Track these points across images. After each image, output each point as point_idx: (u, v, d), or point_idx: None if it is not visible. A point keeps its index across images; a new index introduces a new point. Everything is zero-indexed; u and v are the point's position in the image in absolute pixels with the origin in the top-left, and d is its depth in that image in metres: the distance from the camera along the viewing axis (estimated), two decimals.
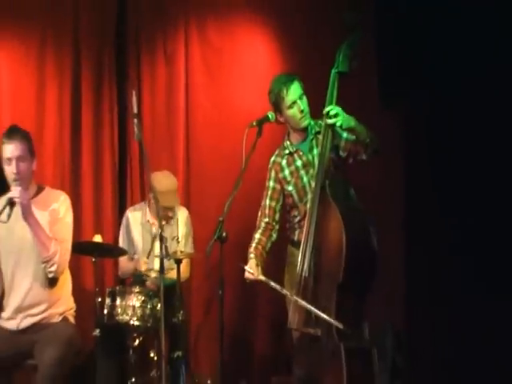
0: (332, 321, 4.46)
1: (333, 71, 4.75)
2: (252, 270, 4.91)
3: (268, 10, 6.79)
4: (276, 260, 5.23)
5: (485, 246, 4.97)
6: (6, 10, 6.98)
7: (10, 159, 4.91)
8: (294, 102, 4.90)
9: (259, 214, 5.20)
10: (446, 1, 4.80)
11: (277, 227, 5.14)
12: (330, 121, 4.63)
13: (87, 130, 7.01)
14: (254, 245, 5.08)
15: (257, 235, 5.12)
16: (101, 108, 7.02)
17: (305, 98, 4.95)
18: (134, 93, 5.86)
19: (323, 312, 4.50)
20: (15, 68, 7.04)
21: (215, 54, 6.94)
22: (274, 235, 5.14)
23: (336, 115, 4.60)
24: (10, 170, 4.93)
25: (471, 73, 4.53)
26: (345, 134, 4.79)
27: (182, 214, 6.37)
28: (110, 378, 6.16)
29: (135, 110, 5.61)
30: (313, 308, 4.58)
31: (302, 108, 4.92)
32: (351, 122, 4.68)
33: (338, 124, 4.61)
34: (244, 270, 4.95)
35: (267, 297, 6.12)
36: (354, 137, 4.74)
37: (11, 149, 4.92)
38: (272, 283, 4.87)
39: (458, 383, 5.00)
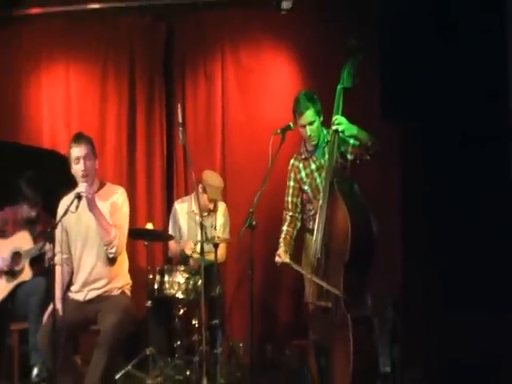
0: (340, 293, 4.55)
1: (338, 87, 4.81)
2: (281, 255, 5.03)
3: (289, 38, 6.81)
4: (295, 245, 5.27)
5: (473, 227, 4.87)
6: (77, 41, 7.15)
7: (78, 158, 4.96)
8: (304, 127, 4.99)
9: (284, 209, 5.26)
10: (440, 28, 4.78)
11: (299, 217, 5.21)
12: (334, 127, 4.72)
13: (141, 136, 7.13)
14: (282, 235, 5.17)
15: (284, 227, 5.20)
16: (152, 118, 7.12)
17: (316, 123, 5.00)
18: (179, 106, 6.00)
19: (333, 287, 4.60)
20: (83, 87, 7.21)
21: (246, 74, 6.99)
22: (299, 224, 5.22)
23: (339, 123, 4.69)
24: (78, 168, 4.96)
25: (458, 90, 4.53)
26: (351, 141, 4.83)
27: (221, 207, 6.47)
28: (160, 341, 6.27)
29: (180, 120, 5.76)
30: (324, 283, 4.67)
31: (308, 134, 5.00)
32: (353, 129, 4.74)
33: (341, 129, 4.69)
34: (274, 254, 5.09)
35: (289, 275, 6.16)
36: (358, 142, 4.79)
37: (79, 150, 4.97)
38: (294, 265, 4.99)
39: (450, 346, 4.99)
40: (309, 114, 4.95)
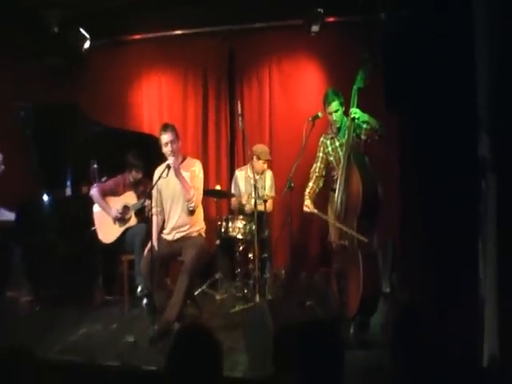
0: (355, 234, 4.48)
1: (354, 87, 4.76)
2: (308, 205, 4.96)
3: (318, 52, 6.72)
4: (324, 200, 5.20)
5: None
6: (167, 57, 7.17)
7: (166, 143, 4.93)
8: (331, 114, 4.96)
9: (311, 171, 5.19)
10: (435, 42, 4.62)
11: (322, 179, 5.14)
12: (351, 116, 4.69)
13: (211, 124, 7.11)
14: (307, 190, 5.10)
15: (310, 184, 5.13)
16: (219, 111, 7.08)
17: (339, 111, 4.97)
18: (239, 102, 5.96)
19: (349, 230, 4.54)
20: (171, 90, 7.24)
21: (287, 79, 6.89)
22: (321, 183, 5.15)
23: (355, 113, 4.67)
24: (166, 150, 4.94)
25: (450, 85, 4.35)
26: (364, 126, 4.76)
27: (269, 174, 6.43)
28: (226, 269, 6.33)
29: (240, 112, 5.73)
30: (343, 227, 4.61)
31: (334, 119, 4.98)
32: (366, 117, 4.73)
33: (356, 117, 4.68)
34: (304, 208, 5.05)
35: (317, 222, 6.09)
36: (369, 126, 4.74)
37: (166, 137, 4.94)
38: (320, 214, 4.92)
39: (436, 272, 4.83)
40: (335, 105, 4.93)
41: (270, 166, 6.58)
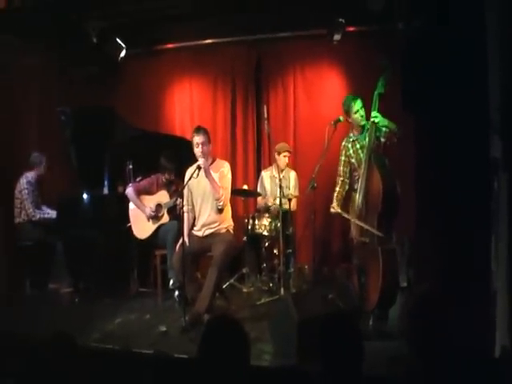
0: (374, 231, 4.47)
1: (375, 92, 4.74)
2: (334, 207, 4.96)
3: (339, 59, 6.72)
4: (345, 199, 5.19)
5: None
6: (197, 64, 7.22)
7: (197, 144, 4.95)
8: (357, 111, 4.90)
9: (338, 175, 5.16)
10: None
11: (348, 182, 5.10)
12: (372, 119, 4.68)
13: (239, 127, 7.12)
14: (335, 194, 5.09)
15: (337, 189, 5.11)
16: (247, 115, 7.10)
17: (361, 111, 4.92)
18: (265, 107, 5.95)
19: (370, 227, 4.54)
20: (201, 95, 7.27)
21: (310, 85, 6.88)
22: (347, 186, 5.10)
23: (376, 117, 4.66)
24: (197, 151, 4.96)
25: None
26: (383, 129, 4.74)
27: (293, 174, 6.45)
28: (253, 263, 6.35)
29: (266, 116, 5.72)
30: (364, 225, 4.61)
31: (361, 114, 4.92)
32: (385, 121, 4.70)
33: (377, 121, 4.66)
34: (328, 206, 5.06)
35: (339, 220, 6.06)
36: (388, 130, 4.71)
37: (198, 138, 4.96)
38: (344, 213, 4.95)
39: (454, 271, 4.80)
40: (357, 103, 4.91)
41: (294, 166, 6.63)
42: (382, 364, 3.51)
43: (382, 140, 4.79)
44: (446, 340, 2.36)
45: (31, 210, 6.14)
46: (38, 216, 6.18)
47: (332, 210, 5.02)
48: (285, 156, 6.31)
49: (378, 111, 4.72)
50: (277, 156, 6.28)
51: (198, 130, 5.04)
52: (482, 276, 3.76)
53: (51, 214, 6.22)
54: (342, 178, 5.11)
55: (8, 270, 6.30)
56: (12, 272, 6.32)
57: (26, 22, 5.83)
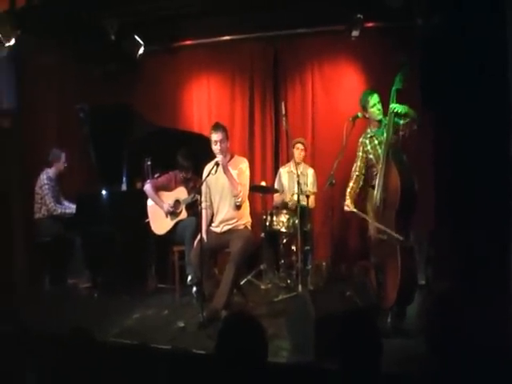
0: (392, 232, 4.45)
1: (393, 88, 4.72)
2: (349, 205, 4.94)
3: (357, 55, 6.66)
4: (363, 196, 5.17)
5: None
6: (215, 61, 7.22)
7: (216, 141, 4.95)
8: (375, 105, 4.87)
9: (352, 170, 5.12)
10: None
11: (362, 178, 5.06)
12: (391, 109, 4.65)
13: (257, 124, 7.11)
14: (348, 190, 5.02)
15: (350, 183, 5.04)
16: (265, 112, 7.08)
17: (379, 105, 4.88)
18: (283, 103, 5.95)
19: (386, 227, 4.52)
20: (219, 92, 7.26)
21: (328, 81, 6.85)
22: (361, 182, 5.05)
23: (395, 107, 4.63)
24: (216, 148, 4.96)
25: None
26: (401, 121, 4.68)
27: (310, 171, 6.45)
28: (270, 260, 6.38)
29: (284, 113, 5.73)
30: (381, 226, 4.60)
31: (378, 108, 4.88)
32: (405, 108, 4.65)
33: (396, 110, 4.62)
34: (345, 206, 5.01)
35: (356, 217, 6.05)
36: (408, 119, 4.66)
37: (216, 135, 4.97)
38: (359, 213, 4.92)
39: (469, 264, 4.76)
40: (374, 98, 4.86)
41: (312, 163, 6.64)
42: (399, 362, 3.50)
43: (401, 133, 4.75)
44: (465, 339, 2.35)
45: (52, 204, 6.20)
46: (59, 210, 6.24)
47: (346, 208, 4.96)
48: (297, 148, 6.31)
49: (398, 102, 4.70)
50: (292, 149, 6.33)
51: (217, 127, 5.04)
52: (502, 274, 3.74)
53: (72, 208, 6.27)
54: (357, 173, 5.06)
55: (28, 266, 6.37)
56: (31, 268, 6.38)
57: (43, 19, 5.88)
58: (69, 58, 6.85)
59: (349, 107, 6.12)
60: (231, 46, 7.08)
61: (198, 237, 4.96)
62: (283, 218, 6.02)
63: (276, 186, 6.53)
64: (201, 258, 4.72)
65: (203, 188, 5.09)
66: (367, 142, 5.00)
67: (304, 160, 6.47)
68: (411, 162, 4.65)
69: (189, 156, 5.96)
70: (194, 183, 5.95)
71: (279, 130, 7.03)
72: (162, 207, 5.86)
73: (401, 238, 4.39)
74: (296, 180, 5.69)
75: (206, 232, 5.11)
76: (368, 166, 5.03)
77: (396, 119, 4.69)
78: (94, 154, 6.30)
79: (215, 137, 4.97)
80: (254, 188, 6.01)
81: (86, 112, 6.32)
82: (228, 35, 6.95)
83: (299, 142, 6.37)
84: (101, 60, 6.88)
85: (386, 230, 4.50)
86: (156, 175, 6.17)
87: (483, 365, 2.33)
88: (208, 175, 4.90)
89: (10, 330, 3.95)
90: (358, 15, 6.04)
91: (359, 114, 4.98)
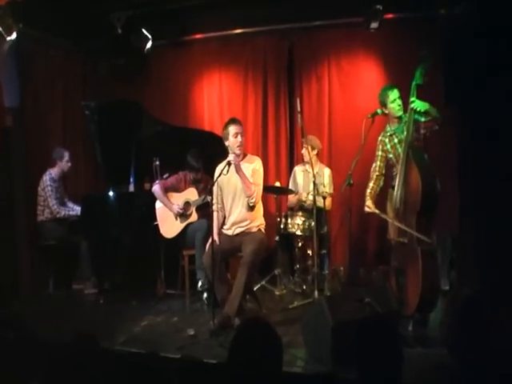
0: (414, 233, 4.43)
1: (413, 83, 4.71)
2: (370, 206, 4.92)
3: (376, 49, 6.62)
4: (383, 197, 5.16)
5: None
6: (227, 55, 7.24)
7: (236, 133, 4.96)
8: (395, 100, 4.87)
9: (371, 170, 5.12)
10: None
11: (382, 178, 5.07)
12: (411, 106, 4.64)
13: (271, 121, 7.11)
14: (368, 190, 5.04)
15: (370, 184, 5.06)
16: (279, 108, 7.08)
17: (399, 100, 4.89)
18: (298, 99, 5.94)
19: (408, 228, 4.49)
20: (231, 87, 7.27)
21: (345, 76, 6.81)
22: (382, 183, 5.08)
23: (416, 104, 4.63)
24: (236, 140, 4.97)
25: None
26: (422, 119, 4.69)
27: (327, 171, 6.40)
28: (285, 265, 6.36)
29: (298, 109, 5.72)
30: (402, 226, 4.58)
31: (399, 104, 4.89)
32: (426, 105, 4.66)
33: (416, 107, 4.62)
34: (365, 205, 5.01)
35: (376, 219, 6.01)
36: (429, 117, 4.66)
37: (238, 127, 4.98)
38: (380, 213, 4.91)
39: (496, 269, 4.74)
40: (394, 93, 4.89)
41: (328, 162, 6.65)
42: (421, 373, 3.47)
43: (422, 131, 4.75)
44: (491, 349, 2.33)
45: (55, 206, 6.24)
46: (62, 213, 6.28)
47: (367, 209, 4.97)
48: (307, 148, 6.18)
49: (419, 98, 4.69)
50: (305, 145, 6.22)
51: (235, 120, 5.08)
52: None
53: (77, 210, 6.30)
54: (377, 173, 5.07)
55: (31, 270, 6.40)
56: (35, 272, 6.41)
57: (49, 13, 5.91)
58: (73, 53, 6.88)
59: (367, 103, 6.11)
60: (244, 40, 7.09)
61: (210, 239, 4.97)
62: (298, 220, 6.02)
63: (290, 186, 6.51)
64: (212, 261, 4.71)
65: (214, 189, 5.08)
66: (386, 140, 5.00)
67: (316, 160, 6.41)
68: (433, 161, 4.63)
69: (199, 155, 5.97)
70: (205, 184, 5.95)
71: (294, 128, 7.02)
72: (171, 209, 5.87)
73: (426, 239, 4.38)
74: (312, 180, 5.68)
75: (218, 235, 5.11)
76: (388, 166, 5.02)
77: (416, 116, 4.68)
78: (100, 153, 6.33)
79: (236, 129, 4.99)
80: (267, 188, 5.98)
81: (91, 109, 6.34)
82: (240, 28, 6.96)
83: (307, 142, 6.25)
84: (107, 55, 6.91)
85: (412, 231, 4.48)
86: (165, 175, 6.16)
87: (506, 372, 2.31)
88: (219, 175, 4.89)
89: (12, 336, 3.97)
90: (377, 6, 6.02)
91: (378, 111, 4.98)
